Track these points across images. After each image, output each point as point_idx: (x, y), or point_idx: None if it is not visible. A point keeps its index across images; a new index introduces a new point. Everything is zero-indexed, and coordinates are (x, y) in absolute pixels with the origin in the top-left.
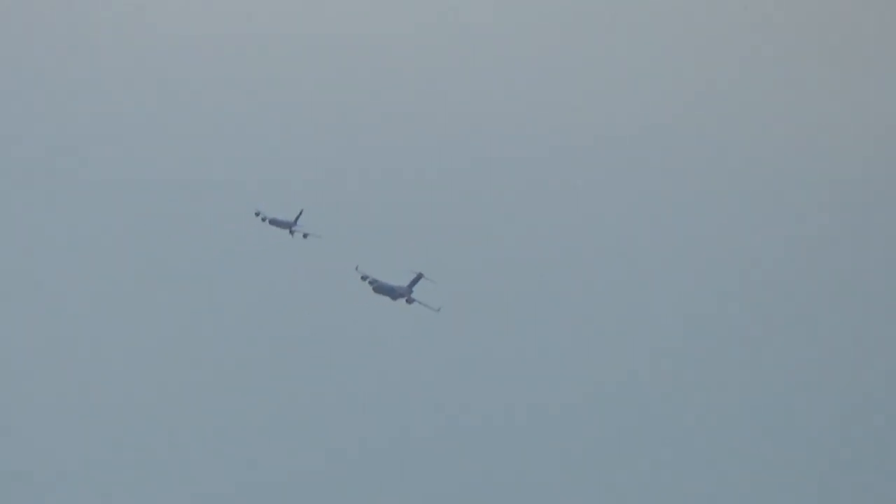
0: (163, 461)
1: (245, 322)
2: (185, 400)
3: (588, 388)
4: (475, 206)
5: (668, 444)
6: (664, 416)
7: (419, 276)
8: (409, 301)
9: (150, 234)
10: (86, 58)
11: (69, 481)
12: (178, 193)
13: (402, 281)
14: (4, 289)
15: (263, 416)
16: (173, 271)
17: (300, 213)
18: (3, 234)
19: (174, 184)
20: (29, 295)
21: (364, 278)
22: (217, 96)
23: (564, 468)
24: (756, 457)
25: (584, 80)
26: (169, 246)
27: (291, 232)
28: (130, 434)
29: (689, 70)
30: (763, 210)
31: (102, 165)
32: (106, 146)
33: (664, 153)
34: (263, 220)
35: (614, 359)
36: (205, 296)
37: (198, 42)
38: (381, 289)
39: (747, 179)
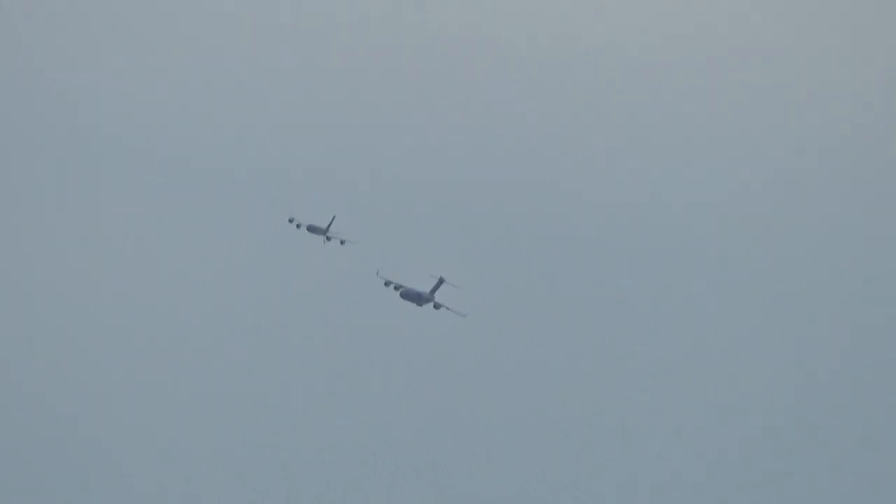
0: (190, 457)
1: (273, 327)
2: (214, 404)
3: (613, 391)
4: (495, 210)
5: (697, 446)
6: (698, 420)
7: (441, 281)
8: (437, 306)
9: (172, 237)
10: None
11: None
12: (206, 197)
13: (423, 286)
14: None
15: (290, 419)
16: (203, 277)
17: (332, 220)
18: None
19: (203, 187)
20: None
21: (388, 284)
22: (243, 99)
23: (588, 470)
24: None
25: (608, 85)
26: (199, 250)
27: (328, 238)
28: (156, 422)
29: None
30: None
31: (142, 171)
32: (143, 150)
33: (698, 154)
34: (298, 226)
35: (641, 360)
36: (234, 301)
37: (226, 48)
38: (407, 294)
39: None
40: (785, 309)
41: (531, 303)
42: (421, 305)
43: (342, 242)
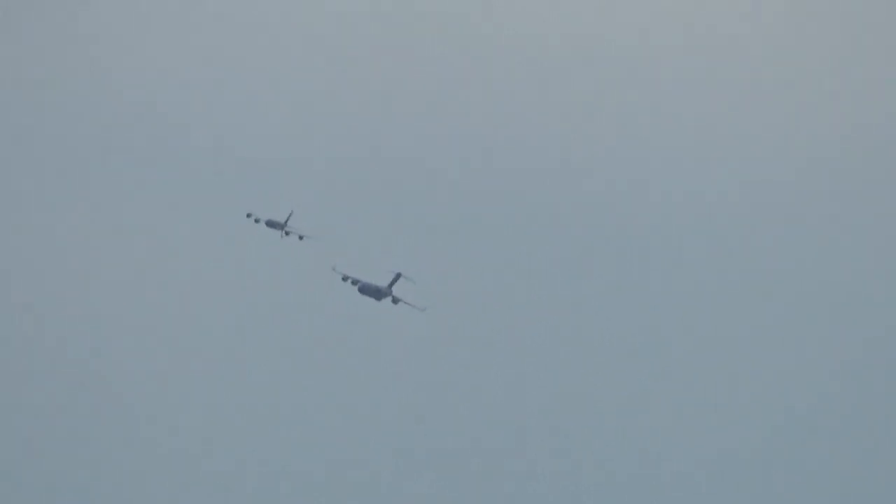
0: (151, 459)
1: (237, 325)
2: (174, 400)
3: (577, 385)
4: (452, 203)
5: (660, 443)
6: (655, 417)
7: (398, 276)
8: (395, 301)
9: (134, 234)
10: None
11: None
12: (164, 191)
13: (380, 280)
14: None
15: (254, 418)
16: (162, 272)
17: (290, 214)
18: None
19: (163, 179)
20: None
21: (345, 279)
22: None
23: (553, 469)
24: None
25: (567, 79)
26: (158, 245)
27: (286, 233)
28: (117, 432)
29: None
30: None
31: (98, 165)
32: (99, 144)
33: (646, 151)
34: (257, 221)
35: (603, 354)
36: (190, 298)
37: (187, 39)
38: (366, 289)
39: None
40: (783, 310)
41: (492, 296)
42: (379, 300)
43: (301, 238)
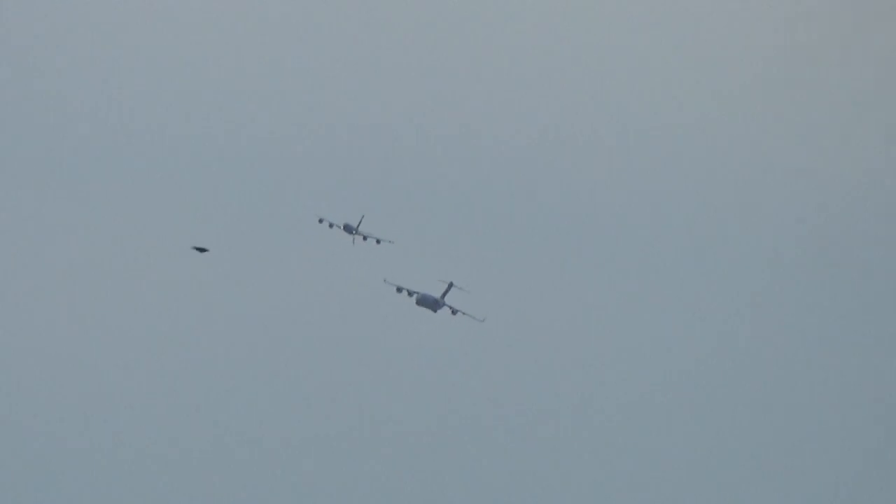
0: (197, 461)
1: (305, 336)
2: (220, 411)
3: (632, 394)
4: (506, 210)
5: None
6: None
7: (451, 285)
8: (454, 312)
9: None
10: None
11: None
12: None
13: (433, 291)
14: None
15: (304, 432)
16: (230, 280)
17: (362, 219)
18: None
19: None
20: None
21: (399, 290)
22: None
23: (606, 479)
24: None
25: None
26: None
27: (363, 238)
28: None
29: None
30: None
31: (164, 167)
32: (165, 146)
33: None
34: (331, 226)
35: (665, 362)
36: (261, 306)
37: (246, 42)
38: (424, 301)
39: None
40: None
41: (548, 304)
42: (436, 312)
43: (378, 242)
